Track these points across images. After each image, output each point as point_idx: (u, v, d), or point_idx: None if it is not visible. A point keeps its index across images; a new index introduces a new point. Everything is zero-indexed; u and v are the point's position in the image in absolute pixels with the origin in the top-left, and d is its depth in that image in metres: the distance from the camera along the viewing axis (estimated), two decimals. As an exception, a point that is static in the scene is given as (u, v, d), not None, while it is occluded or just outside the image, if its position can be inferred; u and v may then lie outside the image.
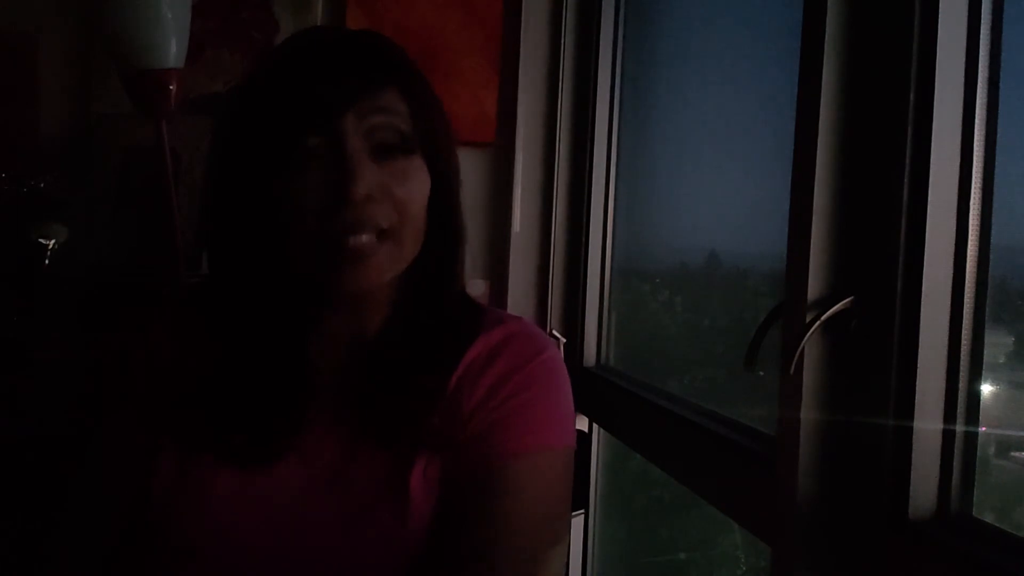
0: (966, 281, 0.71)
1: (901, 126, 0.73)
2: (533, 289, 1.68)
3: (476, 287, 1.62)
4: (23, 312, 1.56)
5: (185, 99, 1.62)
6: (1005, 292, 0.75)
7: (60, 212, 1.61)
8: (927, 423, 0.72)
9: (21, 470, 1.35)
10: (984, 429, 0.72)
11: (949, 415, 0.72)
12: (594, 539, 1.58)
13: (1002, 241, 0.71)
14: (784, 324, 0.80)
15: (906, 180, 0.73)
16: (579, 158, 1.64)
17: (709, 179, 1.34)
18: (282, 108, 0.78)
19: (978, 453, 0.72)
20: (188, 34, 1.53)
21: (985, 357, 0.72)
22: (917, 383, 0.72)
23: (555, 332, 1.60)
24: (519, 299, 1.66)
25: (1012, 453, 0.81)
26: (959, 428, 0.71)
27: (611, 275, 1.59)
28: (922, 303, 0.71)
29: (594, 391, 1.50)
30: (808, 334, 0.75)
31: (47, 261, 1.57)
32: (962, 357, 0.71)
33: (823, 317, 0.75)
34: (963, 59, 0.71)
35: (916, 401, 0.72)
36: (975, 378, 0.71)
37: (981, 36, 0.71)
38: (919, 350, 0.71)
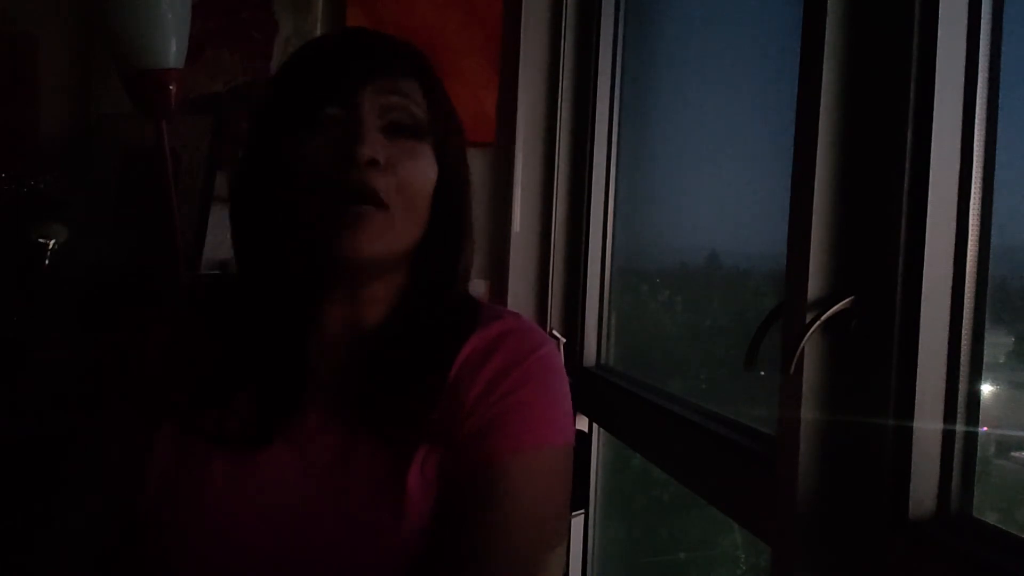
0: (966, 281, 0.71)
1: (901, 126, 0.73)
2: (533, 289, 1.68)
3: (476, 287, 1.62)
4: (23, 312, 1.56)
5: (185, 99, 1.62)
6: (1005, 292, 0.75)
7: (60, 212, 1.61)
8: (927, 423, 0.72)
9: (21, 470, 1.35)
10: (984, 429, 0.72)
11: (949, 415, 0.72)
12: (594, 539, 1.58)
13: (1002, 241, 0.71)
14: (784, 324, 0.80)
15: (906, 180, 0.73)
16: (579, 158, 1.64)
17: (709, 179, 1.34)
18: (308, 81, 0.85)
19: (978, 453, 0.72)
20: (188, 34, 1.54)
21: (985, 357, 0.72)
22: (917, 383, 0.72)
23: (555, 332, 1.60)
24: (519, 299, 1.66)
25: (1012, 453, 0.81)
26: (959, 428, 0.71)
27: (611, 275, 1.59)
28: (922, 303, 0.71)
29: (594, 391, 1.50)
30: (808, 334, 0.75)
31: (47, 261, 1.57)
32: (962, 357, 0.71)
33: (823, 317, 0.75)
34: (963, 59, 0.71)
35: (916, 401, 0.72)
36: (975, 378, 0.71)
37: (981, 36, 0.71)
38: (919, 350, 0.71)
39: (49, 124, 1.78)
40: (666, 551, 1.58)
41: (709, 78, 1.36)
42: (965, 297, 0.71)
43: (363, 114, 0.81)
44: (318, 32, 1.80)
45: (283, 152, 0.83)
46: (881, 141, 0.75)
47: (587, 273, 1.59)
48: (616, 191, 1.59)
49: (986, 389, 0.72)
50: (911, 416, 0.72)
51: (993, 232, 0.71)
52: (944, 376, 0.72)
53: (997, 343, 0.75)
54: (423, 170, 0.84)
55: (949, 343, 0.72)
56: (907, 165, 0.73)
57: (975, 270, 0.71)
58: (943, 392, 0.72)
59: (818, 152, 0.76)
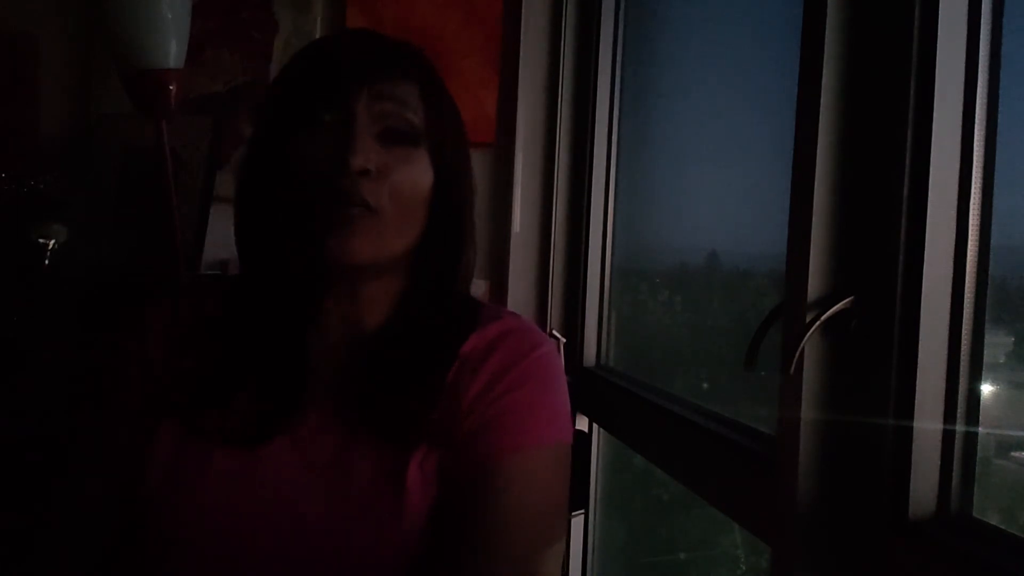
0: (966, 281, 0.71)
1: (901, 126, 0.73)
2: (533, 289, 1.68)
3: (476, 287, 1.61)
4: (23, 312, 1.56)
5: (185, 99, 1.62)
6: (1005, 292, 0.75)
7: (60, 212, 1.62)
8: (927, 423, 0.72)
9: (21, 470, 1.35)
10: (984, 430, 0.72)
11: (949, 415, 0.72)
12: (594, 539, 1.58)
13: (1002, 241, 0.71)
14: (784, 324, 0.80)
15: (906, 180, 0.73)
16: (579, 158, 1.64)
17: (709, 179, 1.34)
18: (304, 86, 0.85)
19: (978, 453, 0.72)
20: (188, 34, 1.54)
21: (985, 357, 0.72)
22: (917, 383, 0.72)
23: (555, 332, 1.60)
24: (519, 299, 1.66)
25: (1012, 453, 0.81)
26: (959, 428, 0.71)
27: (611, 275, 1.59)
28: (922, 303, 0.71)
29: (594, 391, 1.50)
30: (808, 334, 0.75)
31: (47, 261, 1.57)
32: (962, 357, 0.71)
33: (823, 317, 0.75)
34: (963, 59, 0.71)
35: (916, 401, 0.72)
36: (975, 378, 0.71)
37: (981, 36, 0.71)
38: (919, 350, 0.71)
39: (49, 124, 1.78)
40: (666, 551, 1.58)
41: (709, 78, 1.36)
42: (965, 297, 0.71)
43: (357, 121, 0.82)
44: (318, 32, 1.80)
45: (280, 156, 0.83)
46: (881, 141, 0.75)
47: (587, 273, 1.59)
48: (616, 191, 1.59)
49: (986, 389, 0.72)
50: (911, 416, 0.72)
51: (993, 232, 0.71)
52: (944, 376, 0.72)
53: (997, 343, 0.75)
54: (417, 176, 0.84)
55: (949, 343, 0.72)
56: (907, 165, 0.73)
57: (975, 270, 0.71)
58: (943, 392, 0.72)
59: (818, 152, 0.76)
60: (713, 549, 1.43)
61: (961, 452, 0.71)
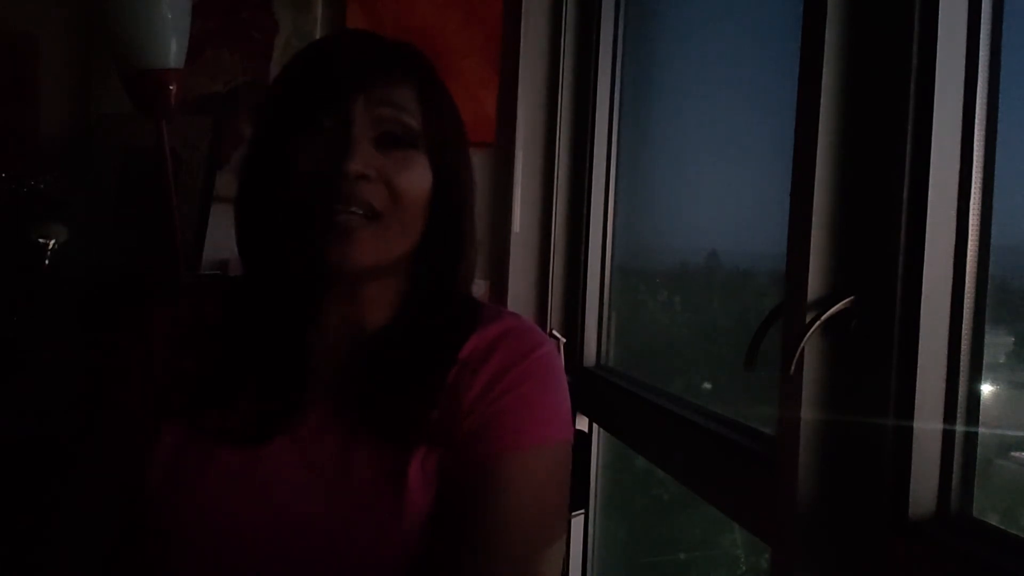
0: (966, 281, 0.71)
1: (901, 126, 0.73)
2: (533, 289, 1.68)
3: (476, 287, 1.62)
4: (23, 312, 1.56)
5: (185, 99, 1.62)
6: (1005, 292, 0.75)
7: (60, 212, 1.62)
8: (927, 423, 0.72)
9: (21, 470, 1.35)
10: (984, 430, 0.72)
11: (949, 415, 0.72)
12: (594, 539, 1.58)
13: (1002, 241, 0.71)
14: (784, 324, 0.80)
15: (906, 180, 0.73)
16: (579, 158, 1.64)
17: (709, 179, 1.34)
18: (302, 90, 0.85)
19: (978, 453, 0.72)
20: (188, 34, 1.54)
21: (985, 357, 0.72)
22: (917, 383, 0.72)
23: (555, 332, 1.60)
24: (519, 299, 1.66)
25: (1012, 453, 0.81)
26: (959, 428, 0.71)
27: (611, 275, 1.59)
28: (922, 303, 0.71)
29: (594, 391, 1.50)
30: (808, 334, 0.75)
31: (47, 261, 1.57)
32: (962, 357, 0.71)
33: (823, 317, 0.75)
34: (963, 59, 0.71)
35: (916, 401, 0.72)
36: (975, 378, 0.71)
37: (981, 36, 0.71)
38: (919, 350, 0.71)
39: (49, 124, 1.78)
40: (666, 551, 1.58)
41: (709, 78, 1.36)
42: (965, 297, 0.71)
43: (354, 126, 0.82)
44: (318, 32, 1.80)
45: (279, 159, 0.83)
46: (881, 141, 0.75)
47: (587, 273, 1.59)
48: (616, 191, 1.59)
49: (986, 389, 0.72)
50: (911, 416, 0.72)
51: (993, 232, 0.71)
52: (944, 376, 0.72)
53: (997, 343, 0.75)
54: (416, 180, 0.84)
55: (949, 343, 0.72)
56: (907, 165, 0.73)
57: (975, 270, 0.71)
58: (943, 392, 0.72)
59: (818, 152, 0.75)
60: (713, 549, 1.43)
61: (961, 452, 0.71)
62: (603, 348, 1.60)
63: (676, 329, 1.52)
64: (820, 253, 0.76)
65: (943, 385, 0.72)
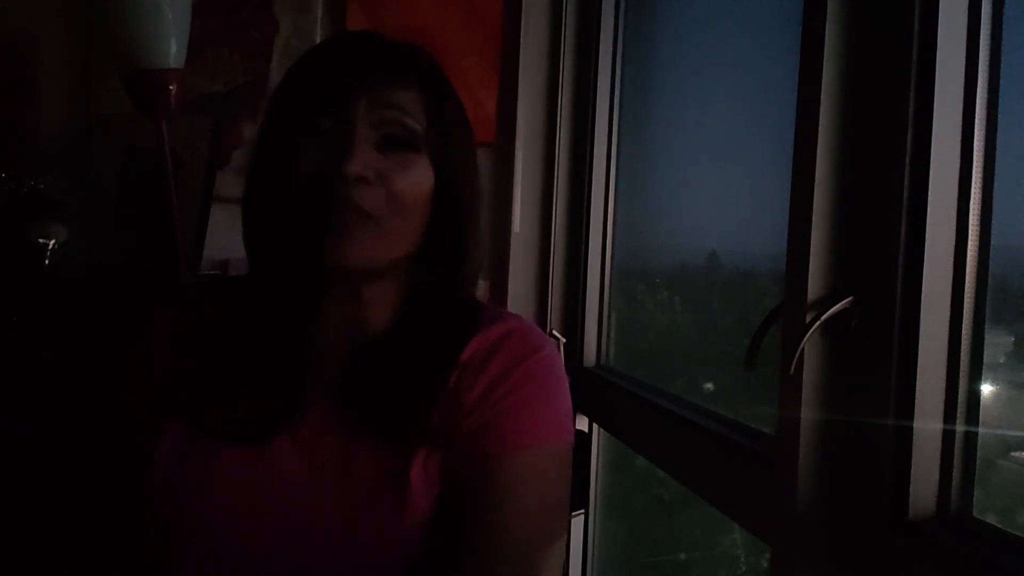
0: (966, 281, 0.71)
1: (901, 126, 0.73)
2: (533, 289, 1.67)
3: (477, 287, 1.62)
4: (23, 312, 1.56)
5: (185, 99, 1.62)
6: (1005, 292, 0.75)
7: (60, 212, 1.62)
8: (927, 423, 0.72)
9: (21, 470, 1.35)
10: (984, 430, 0.72)
11: (949, 415, 0.72)
12: (594, 539, 1.58)
13: (1002, 241, 0.71)
14: (784, 324, 0.80)
15: (906, 180, 0.73)
16: (579, 158, 1.64)
17: (709, 179, 1.34)
18: (304, 92, 0.85)
19: (978, 453, 0.72)
20: (188, 34, 1.54)
21: (985, 357, 0.72)
22: (917, 383, 0.72)
23: (555, 332, 1.60)
24: (519, 299, 1.66)
25: (1012, 453, 0.81)
26: (959, 428, 0.71)
27: (611, 275, 1.59)
28: (922, 303, 0.71)
29: (594, 391, 1.50)
30: (808, 334, 0.75)
31: (47, 261, 1.57)
32: (962, 357, 0.71)
33: (823, 317, 0.75)
34: (963, 59, 0.71)
35: (916, 401, 0.72)
36: (975, 378, 0.71)
37: (981, 36, 0.71)
38: (919, 350, 0.71)
39: (49, 124, 1.78)
40: (666, 551, 1.58)
41: (709, 78, 1.36)
42: (965, 297, 0.71)
43: (355, 129, 0.82)
44: (318, 32, 1.80)
45: (282, 161, 0.83)
46: (881, 141, 0.74)
47: (587, 273, 1.59)
48: (616, 191, 1.59)
49: (986, 389, 0.72)
50: (911, 416, 0.72)
51: (993, 232, 0.71)
52: (944, 376, 0.72)
53: (997, 343, 0.75)
54: (416, 182, 0.84)
55: (949, 343, 0.72)
56: (907, 165, 0.73)
57: (975, 270, 0.71)
58: (943, 392, 0.72)
59: (818, 152, 0.75)
60: (713, 549, 1.43)
61: (961, 452, 0.71)
62: (603, 348, 1.60)
63: (676, 329, 1.52)
64: (820, 253, 0.76)
65: (943, 385, 0.72)
